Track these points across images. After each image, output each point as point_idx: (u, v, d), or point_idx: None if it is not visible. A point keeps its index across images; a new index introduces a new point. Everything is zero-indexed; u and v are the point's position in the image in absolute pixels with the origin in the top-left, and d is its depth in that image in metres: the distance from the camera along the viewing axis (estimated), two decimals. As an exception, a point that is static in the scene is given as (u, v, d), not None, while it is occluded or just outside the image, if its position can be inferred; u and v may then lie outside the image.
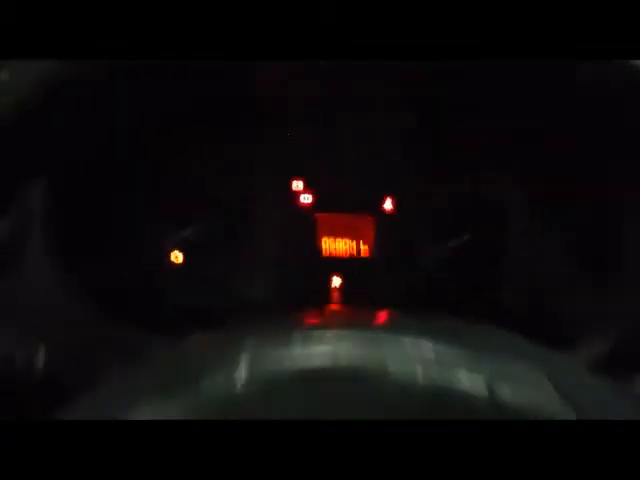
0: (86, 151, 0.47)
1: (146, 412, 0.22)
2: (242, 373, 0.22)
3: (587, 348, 0.44)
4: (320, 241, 0.62)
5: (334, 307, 0.61)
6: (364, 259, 0.62)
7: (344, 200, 0.61)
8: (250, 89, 0.56)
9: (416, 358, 0.23)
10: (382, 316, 0.28)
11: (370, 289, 0.61)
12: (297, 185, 0.62)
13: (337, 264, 0.62)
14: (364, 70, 0.50)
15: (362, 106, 0.59)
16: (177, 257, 0.61)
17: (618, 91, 0.37)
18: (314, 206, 0.62)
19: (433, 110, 0.58)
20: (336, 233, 0.62)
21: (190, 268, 0.61)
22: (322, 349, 0.23)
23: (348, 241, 0.62)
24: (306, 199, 0.62)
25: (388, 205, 0.61)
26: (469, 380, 0.22)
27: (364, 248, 0.62)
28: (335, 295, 0.61)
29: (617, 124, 0.42)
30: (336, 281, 0.62)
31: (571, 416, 0.22)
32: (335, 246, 0.62)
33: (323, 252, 0.62)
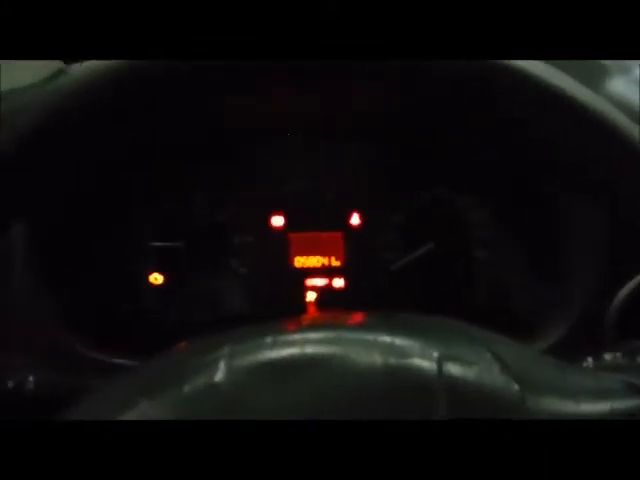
0: (66, 183, 0.49)
1: (135, 414, 0.25)
2: (221, 368, 0.25)
3: (542, 335, 0.48)
4: (293, 260, 0.65)
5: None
6: (336, 273, 0.65)
7: (313, 219, 0.65)
8: (218, 121, 0.59)
9: (375, 346, 0.26)
10: (348, 316, 0.31)
11: (343, 302, 0.64)
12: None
13: (311, 280, 0.65)
14: (329, 91, 0.53)
15: (326, 125, 0.62)
16: (156, 279, 0.64)
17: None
18: (286, 227, 0.65)
19: (394, 127, 0.62)
20: (308, 251, 0.65)
21: (169, 288, 0.64)
22: (293, 345, 0.26)
23: (320, 258, 0.65)
24: (278, 221, 0.65)
25: (355, 220, 0.64)
26: (421, 361, 0.25)
27: (335, 263, 0.65)
28: (311, 310, 0.64)
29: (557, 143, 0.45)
30: (311, 296, 0.65)
31: (513, 389, 0.25)
32: (308, 263, 0.65)
33: (297, 270, 0.65)
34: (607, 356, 0.41)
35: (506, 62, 0.35)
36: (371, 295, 0.63)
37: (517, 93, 0.40)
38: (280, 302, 0.64)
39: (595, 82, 0.52)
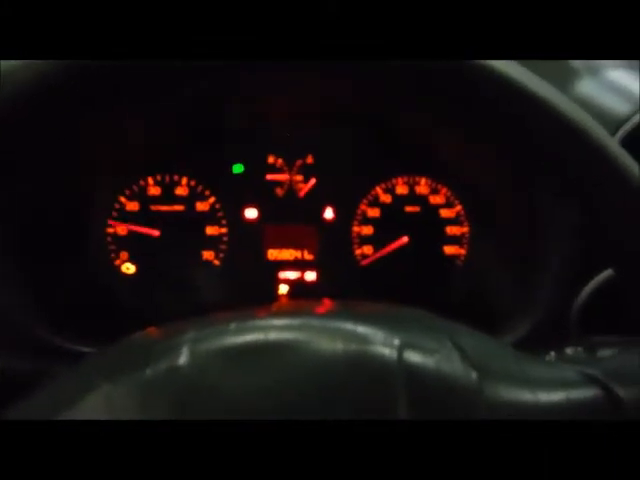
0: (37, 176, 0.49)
1: (98, 397, 0.25)
2: (184, 352, 0.25)
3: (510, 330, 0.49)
4: (267, 252, 0.65)
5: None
6: (309, 266, 0.65)
7: (287, 212, 0.65)
8: (195, 114, 0.59)
9: (337, 333, 0.26)
10: (313, 305, 0.32)
11: (315, 295, 0.64)
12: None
13: (283, 273, 0.65)
14: (302, 89, 0.53)
15: (301, 120, 0.63)
16: (128, 268, 0.64)
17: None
18: (260, 220, 0.65)
19: (371, 124, 0.62)
20: (281, 244, 0.65)
21: (142, 278, 0.64)
22: (256, 331, 0.26)
23: (293, 251, 0.65)
24: (252, 213, 0.65)
25: (329, 214, 0.65)
26: (382, 348, 0.25)
27: (308, 257, 0.65)
28: (283, 301, 0.65)
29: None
30: (283, 289, 0.65)
31: (472, 377, 0.26)
32: (281, 256, 0.65)
33: (270, 262, 0.65)
34: (569, 350, 0.42)
35: (488, 63, 0.36)
36: (343, 289, 0.63)
37: (498, 94, 0.41)
38: (252, 294, 0.64)
39: (564, 84, 0.53)
